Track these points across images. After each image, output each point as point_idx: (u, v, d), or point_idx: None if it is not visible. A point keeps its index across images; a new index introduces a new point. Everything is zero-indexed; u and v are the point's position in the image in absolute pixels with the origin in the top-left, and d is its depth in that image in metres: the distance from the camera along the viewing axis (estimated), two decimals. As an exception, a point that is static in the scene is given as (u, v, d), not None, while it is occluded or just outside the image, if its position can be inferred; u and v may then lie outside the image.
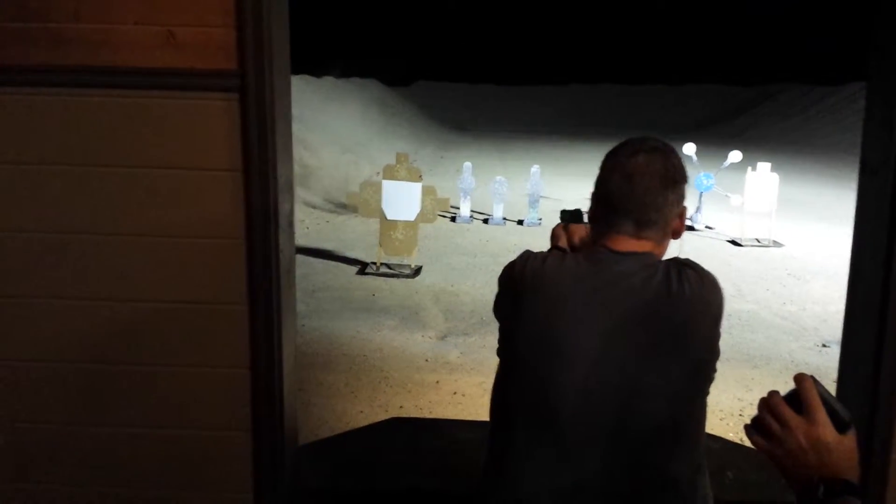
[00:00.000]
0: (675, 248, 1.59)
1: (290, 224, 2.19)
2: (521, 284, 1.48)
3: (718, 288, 1.46)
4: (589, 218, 1.60)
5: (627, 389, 1.39)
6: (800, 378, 1.04)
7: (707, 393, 1.47)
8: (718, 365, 1.48)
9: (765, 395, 1.07)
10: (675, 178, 1.48)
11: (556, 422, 1.41)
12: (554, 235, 1.83)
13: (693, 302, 1.40)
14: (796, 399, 1.04)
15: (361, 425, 3.46)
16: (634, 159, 1.47)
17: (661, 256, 1.51)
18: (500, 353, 1.55)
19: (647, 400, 1.38)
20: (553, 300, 1.43)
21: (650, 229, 1.47)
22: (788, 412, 1.03)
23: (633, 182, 1.46)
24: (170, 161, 2.01)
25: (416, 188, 7.04)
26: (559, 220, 1.87)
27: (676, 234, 1.54)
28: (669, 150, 1.51)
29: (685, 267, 1.46)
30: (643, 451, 1.40)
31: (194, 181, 2.02)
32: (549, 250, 1.81)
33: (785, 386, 1.08)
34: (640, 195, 1.46)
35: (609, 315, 1.40)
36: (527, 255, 1.53)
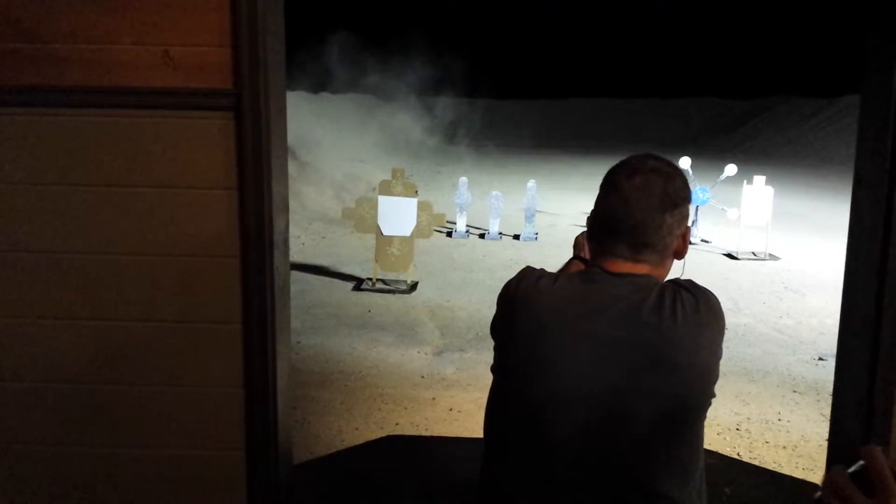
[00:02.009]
0: (678, 266, 1.58)
1: (285, 241, 2.19)
2: (514, 305, 1.45)
3: (717, 312, 1.42)
4: (588, 236, 1.59)
5: (616, 416, 1.35)
6: (869, 452, 0.90)
7: (704, 418, 1.43)
8: None
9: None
10: (675, 201, 1.45)
11: (545, 446, 1.38)
12: (577, 245, 1.82)
13: (686, 329, 1.36)
14: (864, 475, 0.89)
15: (357, 443, 3.45)
16: (632, 181, 1.44)
17: (662, 278, 1.48)
18: (493, 370, 1.52)
19: (636, 427, 1.35)
20: (542, 323, 1.40)
21: (647, 252, 1.44)
22: (859, 498, 0.88)
23: (629, 204, 1.43)
24: (165, 180, 2.02)
25: (411, 203, 7.04)
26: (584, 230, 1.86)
27: (679, 255, 1.51)
28: (671, 171, 1.47)
29: (683, 290, 1.41)
30: (633, 478, 1.37)
31: (189, 199, 2.02)
32: (570, 260, 1.81)
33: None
34: (636, 218, 1.43)
35: (598, 339, 1.37)
36: (522, 275, 1.50)
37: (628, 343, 1.36)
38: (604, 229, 1.48)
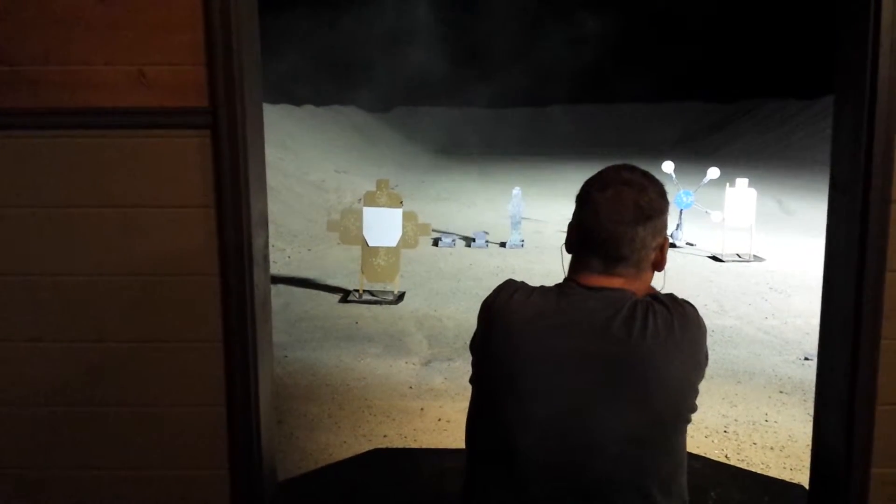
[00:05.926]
0: (659, 278, 1.57)
1: (265, 258, 2.19)
2: (490, 320, 1.46)
3: (693, 324, 1.41)
4: (565, 249, 1.59)
5: (583, 430, 1.35)
6: None
7: (684, 430, 1.42)
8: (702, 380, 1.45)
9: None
10: (648, 214, 1.44)
11: (515, 459, 1.39)
12: None
13: (657, 345, 1.36)
14: None
15: (345, 457, 3.43)
16: (604, 194, 1.44)
17: (640, 291, 1.47)
18: (471, 382, 1.53)
19: (604, 442, 1.35)
20: (514, 337, 1.41)
21: (621, 265, 1.44)
22: None
23: (601, 218, 1.43)
24: (142, 199, 2.01)
25: (396, 214, 7.04)
26: None
27: (657, 267, 1.50)
28: (644, 183, 1.46)
29: (657, 304, 1.41)
30: (607, 490, 1.36)
31: (167, 218, 2.01)
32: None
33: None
34: (608, 231, 1.43)
35: (566, 354, 1.37)
36: (499, 289, 1.51)
37: (597, 357, 1.36)
38: (578, 242, 1.49)
